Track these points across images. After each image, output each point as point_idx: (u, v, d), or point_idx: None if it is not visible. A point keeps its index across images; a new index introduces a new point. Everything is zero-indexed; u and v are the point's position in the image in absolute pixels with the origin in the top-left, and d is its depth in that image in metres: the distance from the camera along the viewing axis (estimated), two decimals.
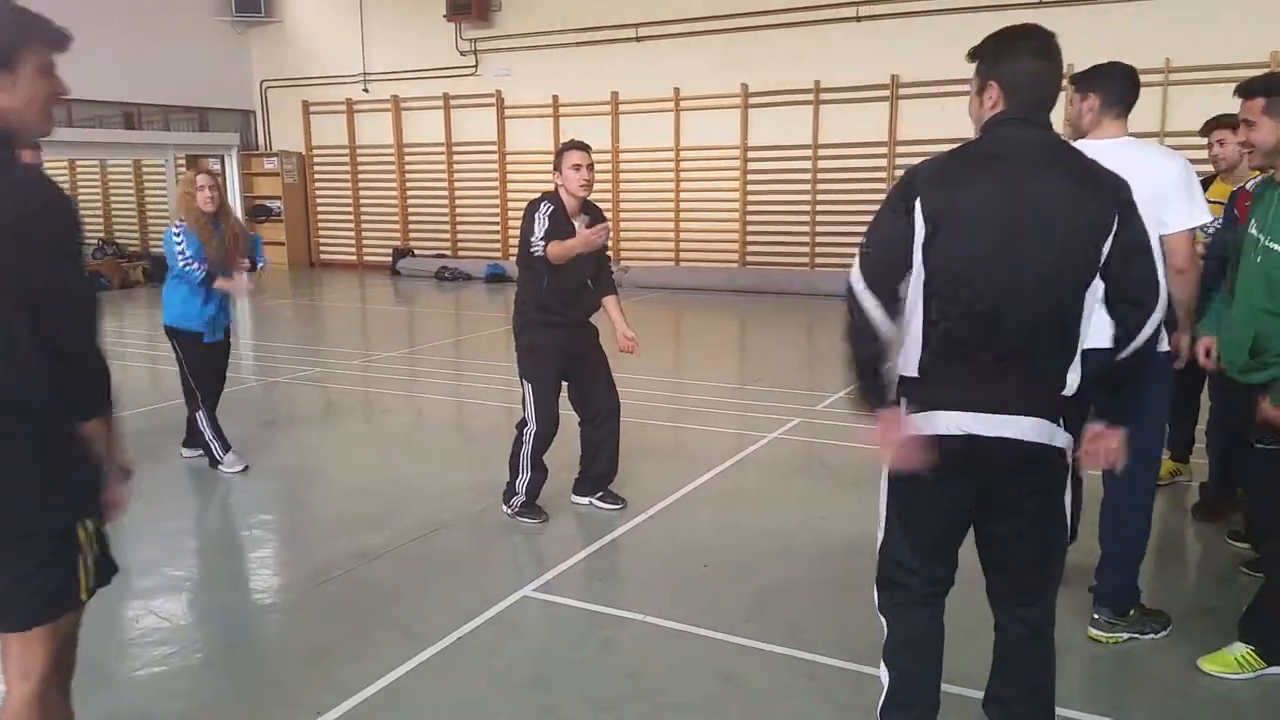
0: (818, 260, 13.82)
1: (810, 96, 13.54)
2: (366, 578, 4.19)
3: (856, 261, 2.42)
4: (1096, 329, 2.40)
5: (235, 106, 17.85)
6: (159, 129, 16.98)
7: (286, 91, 17.68)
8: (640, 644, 3.57)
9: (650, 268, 14.75)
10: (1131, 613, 3.55)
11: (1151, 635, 3.53)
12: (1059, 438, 2.37)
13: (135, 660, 3.51)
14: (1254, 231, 3.25)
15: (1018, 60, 2.36)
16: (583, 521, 4.85)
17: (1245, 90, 3.29)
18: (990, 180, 2.30)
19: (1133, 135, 3.42)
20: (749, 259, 14.37)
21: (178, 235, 5.41)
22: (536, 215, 4.58)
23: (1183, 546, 4.65)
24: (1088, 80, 3.43)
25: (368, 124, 17.23)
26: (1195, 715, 3.11)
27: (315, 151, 17.86)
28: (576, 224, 4.65)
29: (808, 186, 13.75)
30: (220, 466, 5.63)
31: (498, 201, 16.26)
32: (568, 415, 4.90)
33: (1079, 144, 3.33)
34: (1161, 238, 3.11)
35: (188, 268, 5.38)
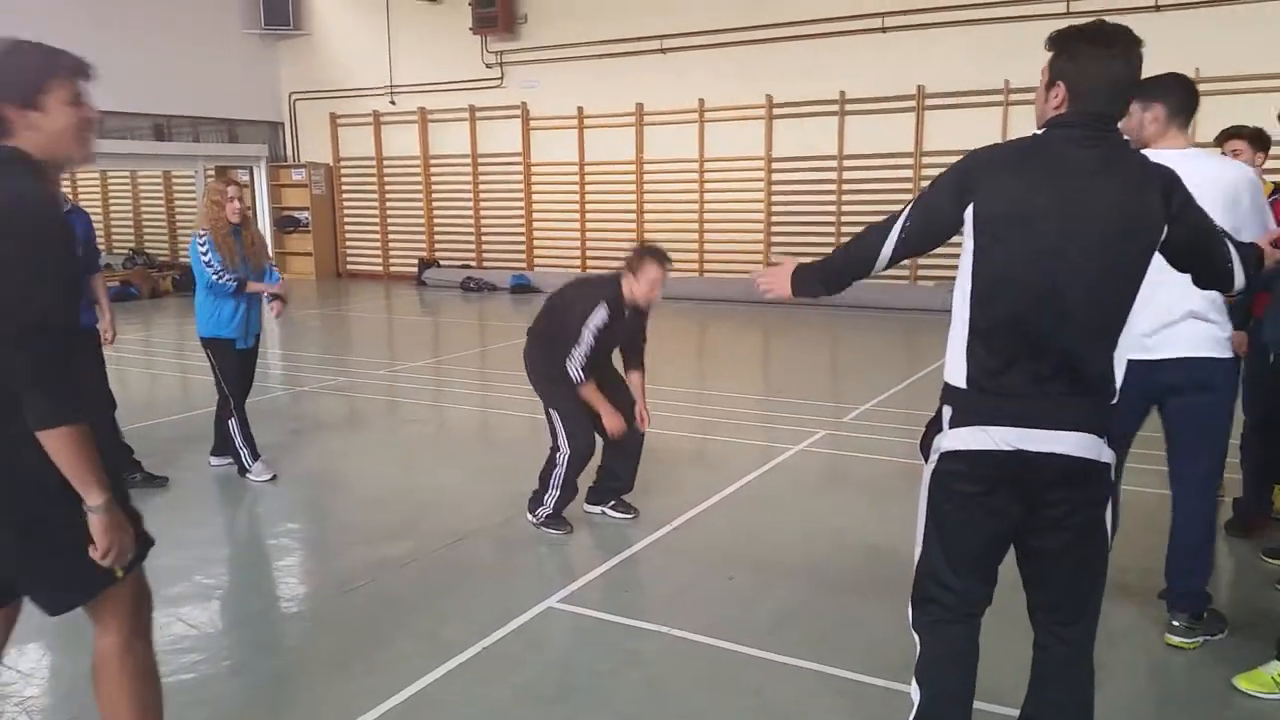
0: None
1: (835, 107, 13.52)
2: (391, 587, 4.20)
3: (896, 227, 2.47)
4: (1125, 342, 2.37)
5: (264, 118, 18.05)
6: (189, 140, 17.20)
7: (315, 104, 17.86)
8: (664, 657, 3.55)
9: (674, 279, 14.71)
10: (1205, 615, 3.57)
11: (1220, 635, 3.56)
12: (1105, 453, 2.33)
13: (164, 667, 3.49)
14: None
15: (1095, 64, 2.26)
16: (606, 532, 4.85)
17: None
18: (1044, 187, 2.24)
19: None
20: None
21: (202, 246, 5.43)
22: (587, 325, 4.53)
23: (1216, 563, 4.57)
24: (1151, 90, 3.40)
25: (394, 136, 17.36)
26: None
27: (343, 163, 18.02)
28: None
29: (833, 198, 13.72)
30: (249, 475, 5.67)
31: (523, 212, 16.33)
32: None
33: (1149, 153, 3.36)
34: None
35: (218, 280, 5.41)
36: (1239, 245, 2.50)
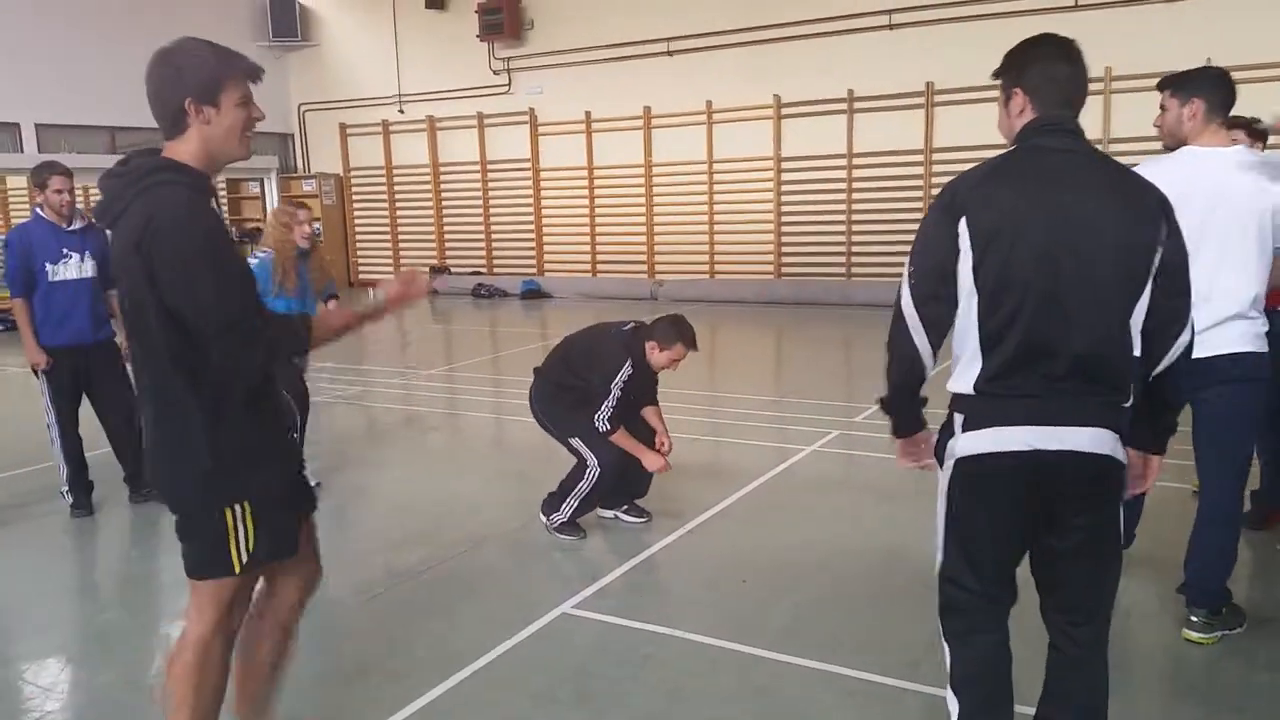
0: (854, 271, 13.75)
1: (844, 106, 13.50)
2: (408, 594, 4.21)
3: (905, 285, 2.39)
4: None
5: (273, 130, 18.13)
6: None
7: (324, 114, 17.96)
8: (680, 660, 3.55)
9: (685, 281, 14.75)
10: (1224, 610, 3.54)
11: (1239, 630, 3.54)
12: (1120, 451, 2.32)
13: None
14: None
15: (1041, 64, 2.34)
16: (620, 537, 4.85)
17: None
18: (1031, 192, 2.26)
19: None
20: (784, 270, 14.33)
21: (255, 265, 5.21)
22: (615, 383, 4.59)
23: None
24: (1190, 85, 3.37)
25: (404, 144, 17.43)
26: None
27: (353, 173, 18.11)
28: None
29: (843, 196, 13.70)
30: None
31: (532, 217, 16.37)
32: None
33: (1188, 152, 3.35)
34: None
35: (281, 297, 5.22)
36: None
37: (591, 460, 4.69)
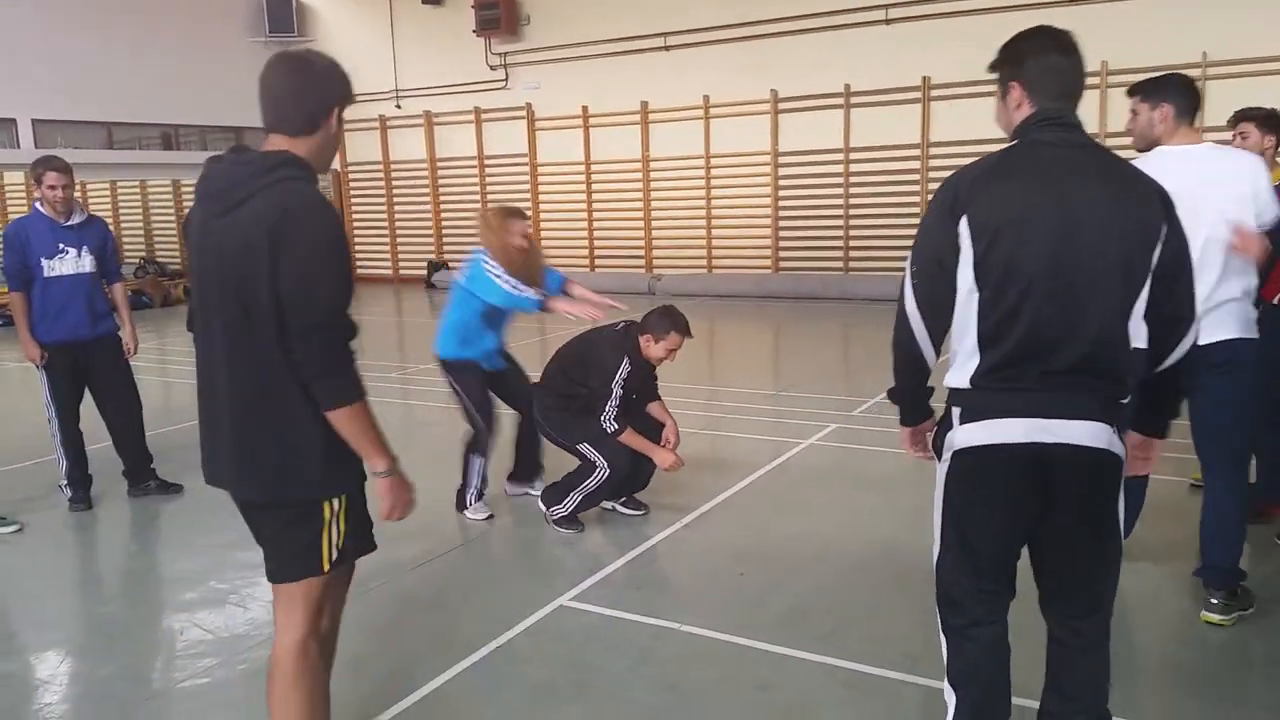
0: (851, 265, 13.76)
1: (841, 101, 13.50)
2: (405, 588, 4.22)
3: (907, 282, 2.39)
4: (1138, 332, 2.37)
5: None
6: (197, 149, 17.28)
7: None
8: (678, 653, 3.56)
9: (683, 275, 14.76)
10: (1239, 591, 3.63)
11: (1250, 610, 3.63)
12: (1116, 444, 2.31)
13: (180, 672, 3.56)
14: None
15: (1038, 56, 2.33)
16: (618, 529, 4.86)
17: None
18: (1033, 187, 2.25)
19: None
20: (782, 265, 14.34)
21: (491, 265, 4.83)
22: (615, 381, 4.60)
23: None
24: (1159, 91, 3.59)
25: (401, 140, 17.41)
26: None
27: (350, 168, 18.08)
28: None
29: (840, 191, 13.70)
30: (465, 511, 5.08)
31: (529, 213, 16.35)
32: None
33: (1166, 151, 3.52)
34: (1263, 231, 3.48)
35: (522, 295, 4.75)
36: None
37: (601, 462, 4.69)
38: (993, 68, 2.43)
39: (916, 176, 13.09)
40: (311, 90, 2.37)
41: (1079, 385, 2.27)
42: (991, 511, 2.38)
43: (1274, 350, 4.31)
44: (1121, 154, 2.44)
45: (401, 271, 17.76)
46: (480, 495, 5.07)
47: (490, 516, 5.03)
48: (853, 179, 13.62)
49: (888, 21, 12.98)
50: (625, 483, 4.88)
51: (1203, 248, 3.34)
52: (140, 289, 15.85)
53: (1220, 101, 10.95)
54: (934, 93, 12.87)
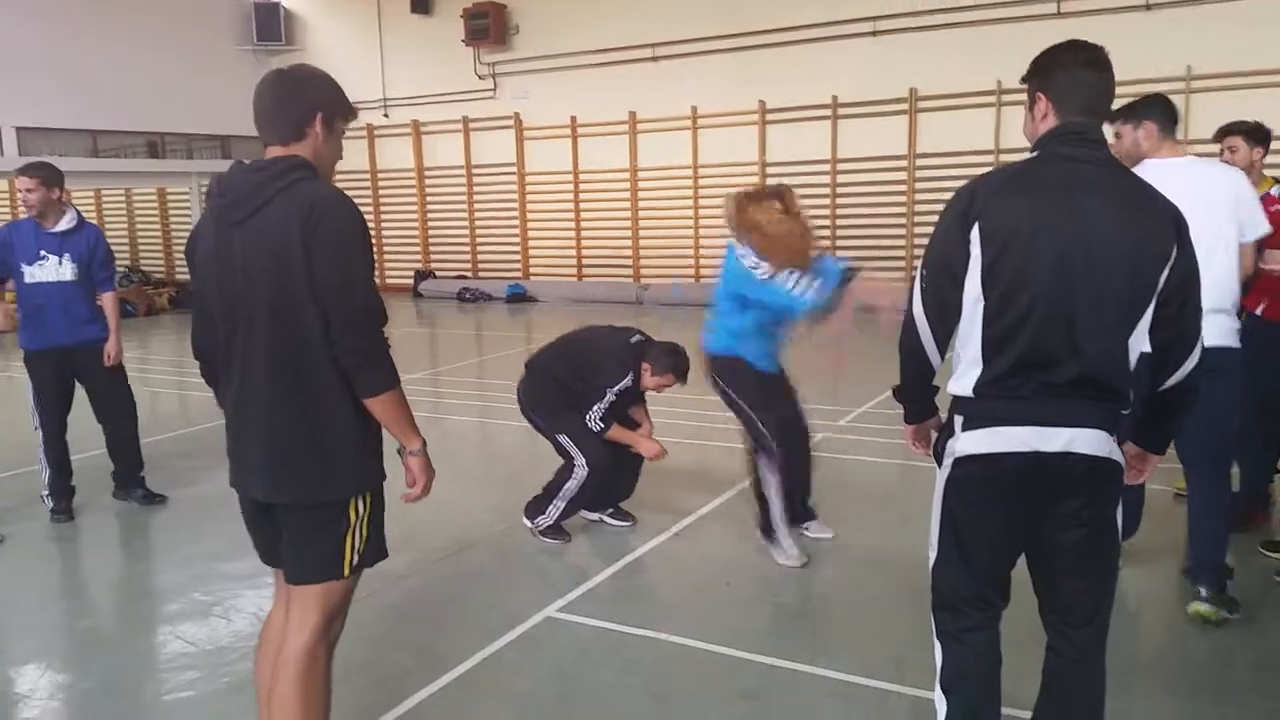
0: None
1: (828, 112, 13.56)
2: (392, 599, 4.19)
3: (916, 286, 2.40)
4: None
5: (257, 134, 18.05)
6: (182, 158, 17.22)
7: None
8: (665, 664, 3.55)
9: (670, 285, 14.77)
10: (1225, 587, 3.70)
11: (1236, 616, 3.67)
12: (1116, 452, 2.33)
13: (162, 685, 3.52)
14: None
15: (1067, 70, 2.34)
16: (605, 541, 4.84)
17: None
18: (1047, 200, 2.26)
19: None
20: None
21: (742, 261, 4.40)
22: (612, 389, 4.61)
23: None
24: (1140, 111, 3.73)
25: (388, 148, 17.39)
26: None
27: (337, 177, 17.81)
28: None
29: (827, 201, 13.74)
30: (780, 558, 4.42)
31: (517, 222, 16.35)
32: None
33: (1151, 164, 3.58)
34: (1240, 245, 3.60)
35: (801, 295, 4.24)
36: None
37: (579, 460, 4.67)
38: (1024, 78, 2.44)
39: (903, 188, 13.15)
40: (293, 98, 2.44)
41: (1079, 396, 2.28)
42: (990, 518, 2.39)
43: (1256, 359, 4.35)
44: None
45: (388, 281, 17.72)
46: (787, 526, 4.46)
47: (805, 564, 4.38)
48: (840, 190, 13.66)
49: (875, 33, 13.05)
50: (607, 486, 4.84)
51: (1201, 256, 3.41)
52: (125, 298, 15.76)
53: (1205, 116, 11.09)
54: (921, 104, 12.93)
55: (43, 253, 5.22)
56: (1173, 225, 2.30)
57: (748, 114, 14.09)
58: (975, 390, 2.33)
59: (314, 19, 17.67)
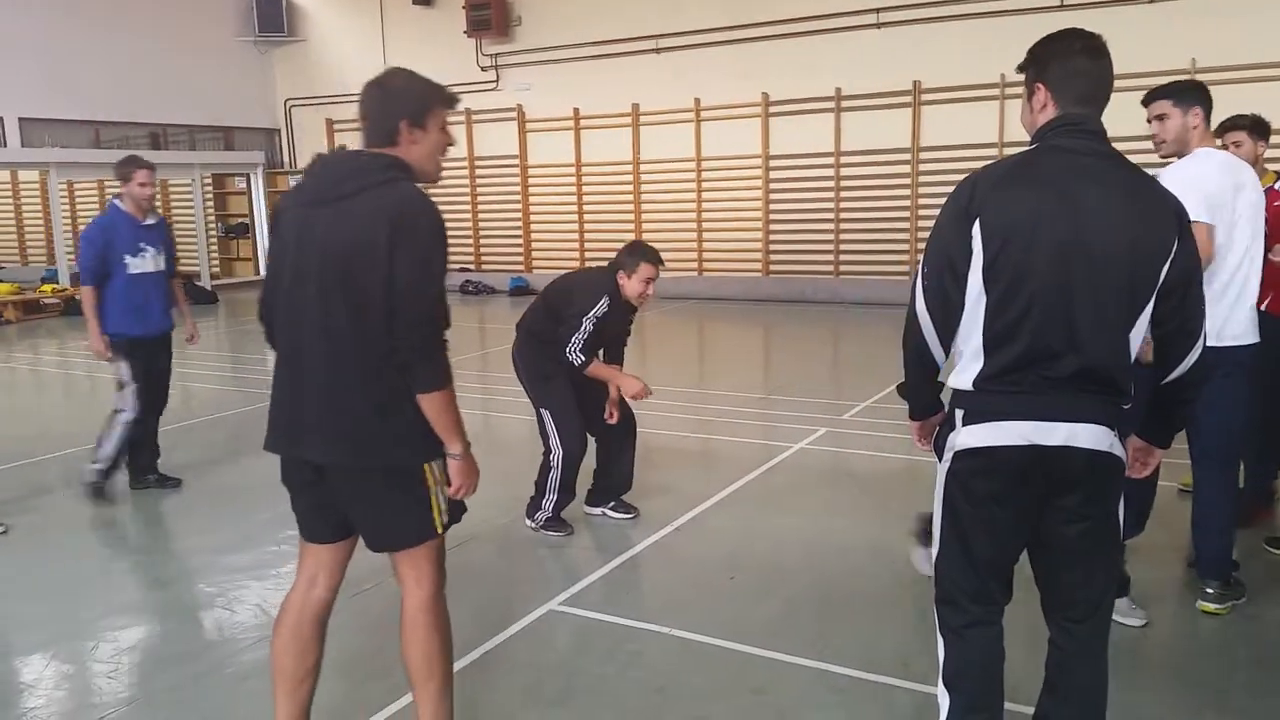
0: (842, 269, 13.77)
1: (832, 104, 13.51)
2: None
3: (918, 282, 2.39)
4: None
5: (260, 125, 18.05)
6: (185, 149, 17.20)
7: (310, 109, 17.86)
8: (668, 657, 3.55)
9: (673, 278, 14.74)
10: (1231, 580, 3.71)
11: (1242, 600, 3.70)
12: (1118, 447, 2.32)
13: (168, 675, 3.53)
14: None
15: (1064, 59, 2.33)
16: (608, 534, 4.84)
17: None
18: (1047, 194, 2.25)
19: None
20: (772, 268, 14.34)
21: None
22: (588, 315, 4.55)
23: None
24: (1191, 96, 3.58)
25: None
26: None
27: None
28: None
29: (831, 194, 13.72)
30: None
31: (520, 215, 16.33)
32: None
33: (1211, 153, 3.56)
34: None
35: None
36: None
37: (555, 441, 4.70)
38: (1020, 68, 2.43)
39: (907, 180, 13.12)
40: (382, 110, 2.55)
41: (1081, 390, 2.27)
42: (991, 512, 2.38)
43: (1262, 355, 4.34)
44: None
45: None
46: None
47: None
48: (843, 182, 13.63)
49: (879, 25, 13.00)
50: (603, 480, 4.89)
51: (1244, 254, 3.52)
52: None
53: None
54: (925, 97, 12.89)
55: (141, 245, 5.43)
56: (1174, 217, 2.29)
57: (751, 106, 14.06)
58: (976, 384, 2.32)
59: (316, 9, 17.62)
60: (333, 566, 2.82)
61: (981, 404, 2.33)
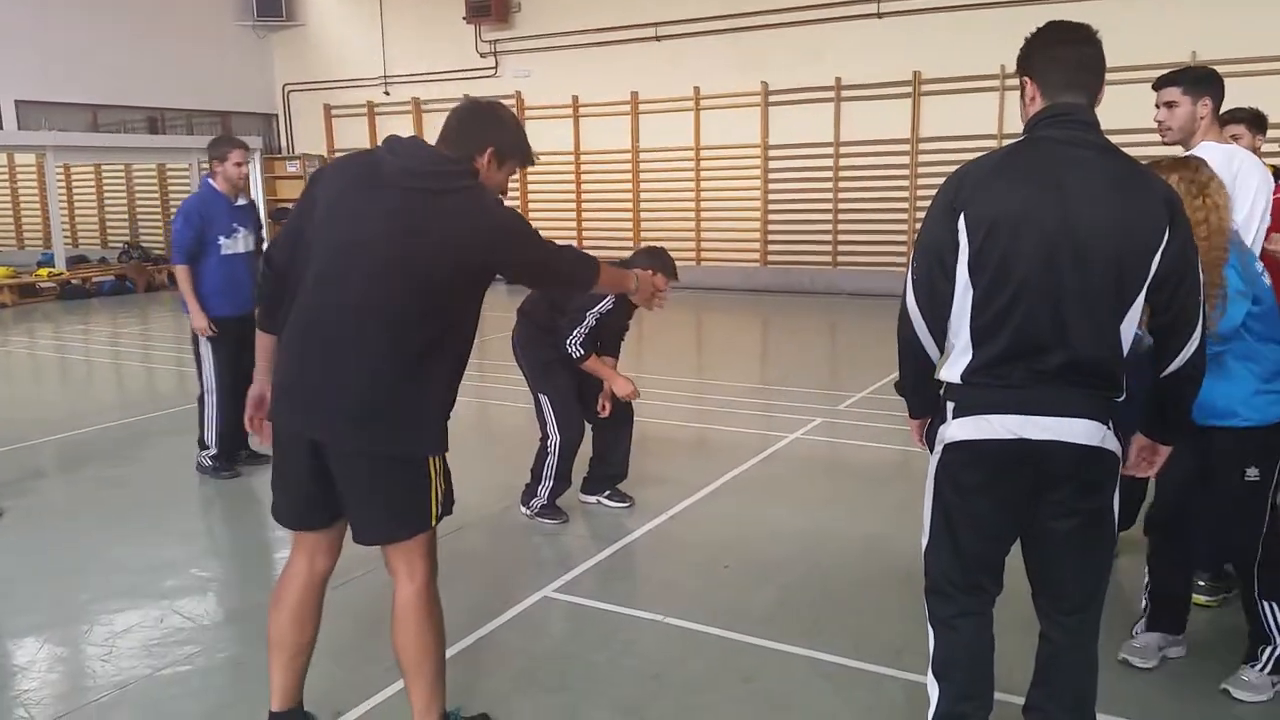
0: (840, 259, 13.76)
1: (831, 94, 13.48)
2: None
3: (908, 277, 2.39)
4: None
5: (257, 110, 17.98)
6: (182, 133, 17.15)
7: (308, 95, 17.80)
8: (662, 645, 3.56)
9: None
10: (1222, 572, 3.72)
11: (1233, 592, 3.67)
12: (1110, 441, 2.30)
13: (160, 660, 3.53)
14: None
15: (1044, 49, 2.33)
16: (602, 522, 4.85)
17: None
18: (1033, 185, 2.24)
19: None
20: (770, 258, 14.33)
21: None
22: (592, 310, 4.56)
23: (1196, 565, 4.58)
24: (1202, 83, 3.49)
25: (389, 126, 17.27)
26: None
27: (337, 154, 17.94)
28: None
29: (829, 185, 13.70)
30: None
31: (518, 202, 16.29)
32: None
33: (1238, 151, 3.50)
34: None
35: None
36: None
37: (553, 428, 4.71)
38: (1016, 64, 2.43)
39: (906, 171, 13.10)
40: (475, 131, 2.67)
41: (1070, 384, 2.26)
42: (980, 505, 2.38)
43: None
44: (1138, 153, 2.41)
45: None
46: None
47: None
48: (842, 173, 13.61)
49: (879, 15, 12.96)
50: (599, 467, 4.89)
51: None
52: (124, 274, 15.74)
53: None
54: (924, 87, 12.86)
55: (235, 225, 5.48)
56: (1165, 207, 2.26)
57: (750, 95, 14.02)
58: (964, 377, 2.32)
59: None
60: (329, 545, 2.85)
61: (970, 397, 2.33)
